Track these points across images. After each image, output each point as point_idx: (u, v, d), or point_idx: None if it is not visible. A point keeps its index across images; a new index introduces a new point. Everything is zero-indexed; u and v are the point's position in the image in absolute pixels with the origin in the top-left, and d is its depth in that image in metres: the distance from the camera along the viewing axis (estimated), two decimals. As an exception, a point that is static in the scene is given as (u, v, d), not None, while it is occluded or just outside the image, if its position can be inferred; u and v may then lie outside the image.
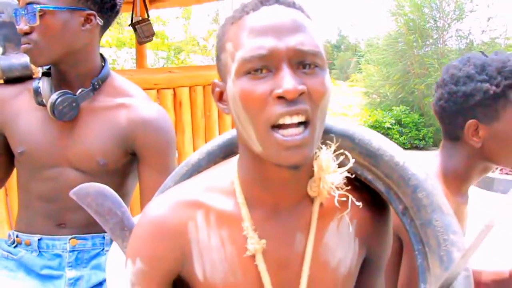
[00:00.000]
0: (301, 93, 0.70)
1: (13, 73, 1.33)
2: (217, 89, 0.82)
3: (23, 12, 1.18)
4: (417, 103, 9.52)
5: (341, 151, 0.84)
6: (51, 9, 1.17)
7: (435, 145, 9.02)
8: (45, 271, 1.32)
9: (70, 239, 1.32)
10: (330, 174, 0.81)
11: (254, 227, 0.81)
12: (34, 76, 1.36)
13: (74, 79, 1.27)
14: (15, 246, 1.35)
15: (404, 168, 0.85)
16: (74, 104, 1.24)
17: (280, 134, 0.71)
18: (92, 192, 1.01)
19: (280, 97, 0.70)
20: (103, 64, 1.33)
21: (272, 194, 0.82)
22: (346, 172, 0.82)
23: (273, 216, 0.83)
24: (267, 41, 0.71)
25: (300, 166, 0.75)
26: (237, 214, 0.82)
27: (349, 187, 0.83)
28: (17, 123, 1.31)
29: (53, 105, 1.22)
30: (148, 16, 3.71)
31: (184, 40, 16.60)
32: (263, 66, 0.71)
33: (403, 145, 8.76)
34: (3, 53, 1.36)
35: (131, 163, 1.34)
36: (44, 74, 1.29)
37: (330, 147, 0.82)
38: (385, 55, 10.37)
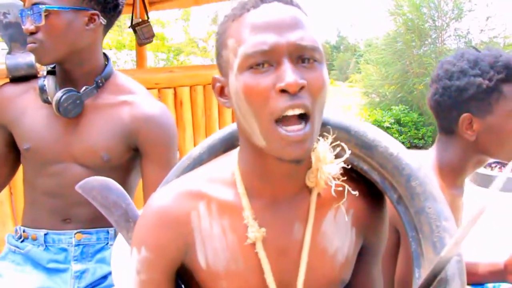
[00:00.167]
0: (302, 87, 0.73)
1: (19, 72, 1.37)
2: (218, 84, 0.85)
3: (29, 12, 1.21)
4: (416, 103, 9.52)
5: (338, 142, 0.87)
6: (56, 9, 1.21)
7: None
8: (51, 265, 1.35)
9: (75, 234, 1.35)
10: (327, 164, 0.84)
11: (254, 216, 0.84)
12: (38, 75, 1.39)
13: (78, 77, 1.30)
14: (22, 241, 1.38)
15: (398, 158, 0.88)
16: (78, 102, 1.28)
17: (283, 129, 0.74)
18: (97, 185, 1.04)
19: (283, 91, 0.73)
20: (106, 63, 1.36)
21: (271, 185, 0.84)
22: (343, 162, 0.85)
23: (273, 206, 0.86)
24: (269, 37, 0.74)
25: (301, 160, 0.78)
26: (238, 204, 0.85)
27: (346, 178, 0.86)
28: (23, 120, 1.34)
29: (58, 102, 1.26)
30: (148, 18, 3.72)
31: (183, 42, 16.63)
32: (265, 60, 0.74)
33: (403, 144, 8.74)
34: (9, 53, 1.39)
35: (134, 159, 1.37)
36: (49, 72, 1.32)
37: (327, 139, 0.85)
38: (384, 55, 10.38)
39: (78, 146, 1.31)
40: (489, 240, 3.67)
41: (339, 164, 0.84)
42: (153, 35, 3.77)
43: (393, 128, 9.02)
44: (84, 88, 1.29)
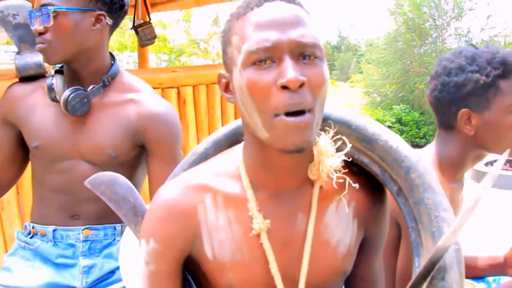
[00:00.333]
0: (302, 83, 0.76)
1: (28, 71, 1.40)
2: (223, 80, 0.87)
3: (37, 13, 1.24)
4: (417, 102, 9.54)
5: (339, 136, 0.90)
6: (63, 10, 1.23)
7: (436, 143, 9.01)
8: (60, 260, 1.38)
9: (83, 230, 1.38)
10: (329, 158, 0.86)
11: (258, 208, 0.86)
12: (47, 75, 1.42)
13: (86, 76, 1.33)
14: (31, 237, 1.41)
15: (397, 151, 0.91)
16: (85, 100, 1.30)
17: (284, 119, 0.76)
18: (106, 180, 1.06)
19: (284, 87, 0.75)
20: (113, 62, 1.39)
21: (275, 177, 0.87)
22: (344, 156, 0.87)
23: (277, 198, 0.88)
24: (271, 34, 0.77)
25: (302, 149, 0.79)
26: (242, 196, 0.87)
27: (347, 171, 0.88)
28: (32, 119, 1.37)
29: (66, 101, 1.28)
30: (150, 19, 3.75)
31: (185, 43, 16.65)
32: (267, 57, 0.77)
33: (404, 144, 8.76)
34: (18, 53, 1.42)
35: (140, 156, 1.40)
36: (57, 72, 1.34)
37: (328, 133, 0.88)
38: (385, 55, 10.40)
39: (85, 144, 1.34)
40: (489, 237, 3.69)
41: (340, 157, 0.87)
42: (155, 37, 3.79)
43: (394, 127, 9.05)
44: (91, 87, 1.32)
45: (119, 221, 1.36)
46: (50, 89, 1.32)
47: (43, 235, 1.39)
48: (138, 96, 1.37)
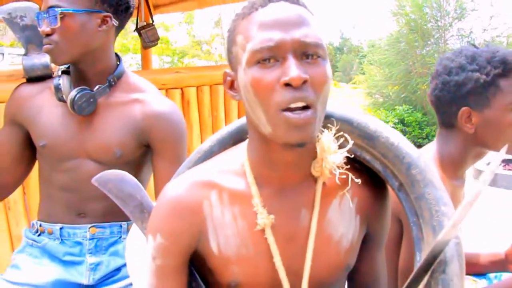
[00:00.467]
0: (305, 81, 0.78)
1: (35, 72, 1.42)
2: (228, 78, 0.90)
3: (45, 15, 1.26)
4: (420, 102, 9.54)
5: (341, 133, 0.92)
6: (70, 12, 1.25)
7: (439, 143, 9.01)
8: (67, 257, 1.40)
9: (89, 228, 1.39)
10: (331, 154, 0.88)
11: (263, 204, 0.88)
12: (53, 75, 1.44)
13: (92, 76, 1.35)
14: (39, 235, 1.43)
15: (398, 148, 0.92)
16: (92, 100, 1.32)
17: (287, 114, 0.78)
18: (113, 178, 1.08)
19: (287, 84, 0.78)
20: (118, 63, 1.41)
21: (279, 174, 0.89)
22: (346, 152, 0.89)
23: (280, 194, 0.90)
24: (275, 34, 0.79)
25: (305, 143, 0.81)
26: (247, 193, 0.89)
27: (349, 167, 0.90)
28: (39, 119, 1.39)
29: (73, 100, 1.30)
30: (153, 21, 3.77)
31: (187, 45, 16.69)
32: (271, 56, 0.79)
33: (407, 144, 8.76)
34: (26, 54, 1.44)
35: (145, 155, 1.41)
36: (63, 72, 1.37)
37: (331, 130, 0.90)
38: (387, 56, 10.40)
39: (92, 143, 1.36)
40: (492, 237, 3.70)
41: (343, 154, 0.89)
42: (157, 38, 3.81)
43: (397, 128, 9.06)
44: (97, 87, 1.34)
45: (125, 219, 1.38)
46: (57, 89, 1.34)
47: (50, 233, 1.41)
48: (143, 96, 1.39)
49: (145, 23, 3.72)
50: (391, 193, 1.01)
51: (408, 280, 0.86)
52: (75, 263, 1.40)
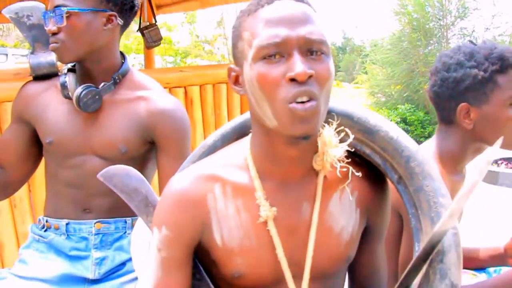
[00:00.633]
0: (310, 76, 0.80)
1: (41, 70, 1.44)
2: (233, 74, 0.92)
3: (51, 14, 1.28)
4: (422, 101, 9.52)
5: (342, 128, 0.94)
6: (76, 11, 1.28)
7: (441, 142, 9.00)
8: (73, 252, 1.42)
9: (95, 223, 1.42)
10: (332, 148, 0.91)
11: (265, 197, 0.91)
12: (59, 73, 1.47)
13: (97, 74, 1.37)
14: (45, 230, 1.46)
15: (398, 141, 0.95)
16: (97, 97, 1.35)
17: (292, 105, 0.80)
18: (118, 173, 1.10)
19: (292, 80, 0.80)
20: (123, 61, 1.44)
21: (281, 168, 0.91)
22: (347, 146, 0.91)
23: (283, 187, 0.92)
24: (281, 30, 0.81)
25: (309, 136, 0.84)
26: (250, 186, 0.92)
27: (350, 161, 0.93)
28: (45, 116, 1.41)
29: (78, 98, 1.33)
30: (156, 22, 3.79)
31: (190, 45, 16.72)
32: (277, 52, 0.82)
33: (409, 143, 8.75)
34: (32, 53, 1.46)
35: (150, 151, 1.44)
36: (69, 70, 1.39)
37: (332, 124, 0.92)
38: (390, 55, 10.38)
39: (97, 139, 1.38)
40: (493, 235, 3.71)
41: (344, 147, 0.91)
42: (160, 38, 3.83)
43: (399, 127, 9.05)
44: (102, 84, 1.36)
45: (130, 214, 1.41)
46: (63, 86, 1.36)
47: (57, 229, 1.44)
48: (147, 94, 1.41)
49: (148, 23, 3.75)
50: (391, 187, 1.03)
51: (407, 269, 0.88)
52: (81, 258, 1.42)
